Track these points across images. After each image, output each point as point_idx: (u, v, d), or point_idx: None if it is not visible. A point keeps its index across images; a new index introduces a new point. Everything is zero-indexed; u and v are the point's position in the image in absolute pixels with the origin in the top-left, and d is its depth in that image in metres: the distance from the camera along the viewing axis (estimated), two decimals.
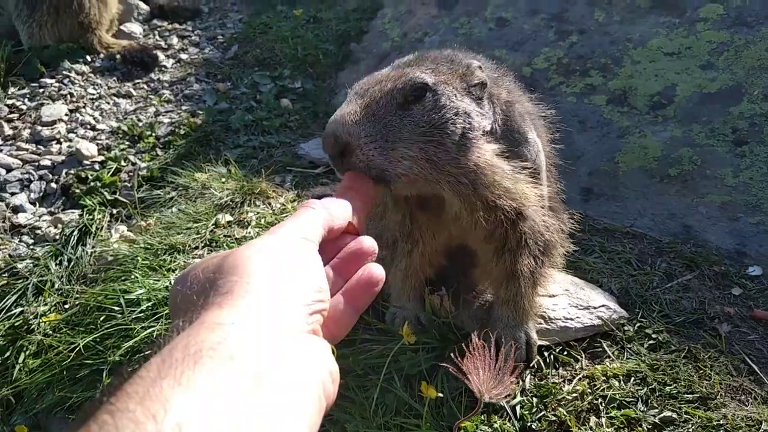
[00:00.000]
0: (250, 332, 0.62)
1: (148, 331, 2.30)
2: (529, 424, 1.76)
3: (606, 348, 1.98)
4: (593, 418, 1.75)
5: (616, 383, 1.84)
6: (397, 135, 1.35)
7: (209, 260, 0.78)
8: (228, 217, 2.96)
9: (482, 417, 1.76)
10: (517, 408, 1.80)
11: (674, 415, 1.72)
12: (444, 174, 1.43)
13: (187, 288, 0.75)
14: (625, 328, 2.05)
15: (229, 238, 2.80)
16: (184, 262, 2.66)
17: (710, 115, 2.93)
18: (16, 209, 3.24)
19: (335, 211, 0.93)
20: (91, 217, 3.13)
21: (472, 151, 1.48)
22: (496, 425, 1.74)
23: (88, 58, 4.63)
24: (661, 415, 1.73)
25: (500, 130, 1.59)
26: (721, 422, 1.68)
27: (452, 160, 1.43)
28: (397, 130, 1.35)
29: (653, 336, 2.01)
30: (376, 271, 0.90)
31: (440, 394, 1.69)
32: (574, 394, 1.82)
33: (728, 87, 2.97)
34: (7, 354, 2.45)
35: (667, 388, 1.80)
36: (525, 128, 1.69)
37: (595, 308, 2.06)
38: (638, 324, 2.06)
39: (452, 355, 1.60)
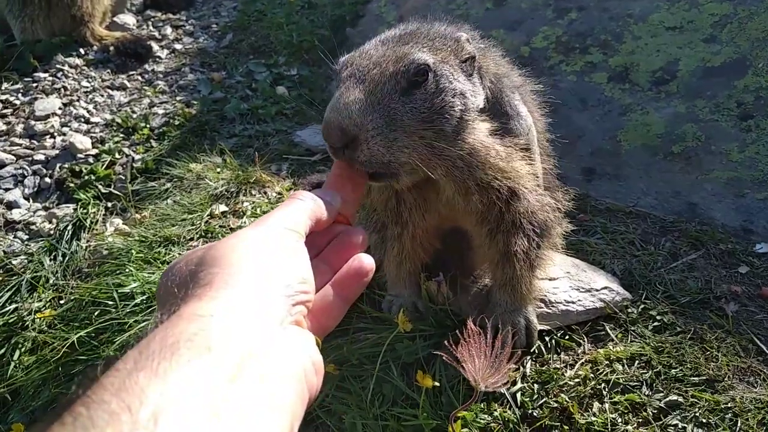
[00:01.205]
0: (230, 323, 0.62)
1: (142, 324, 2.26)
2: (530, 411, 1.71)
3: (609, 331, 1.92)
4: (596, 404, 1.70)
5: (620, 367, 1.78)
6: (398, 124, 1.28)
7: (194, 253, 0.78)
8: (223, 207, 2.91)
9: (482, 405, 1.71)
10: (518, 395, 1.75)
11: (680, 399, 1.66)
12: (441, 159, 1.37)
13: (170, 280, 0.75)
14: (629, 310, 1.99)
15: (224, 229, 2.76)
16: (179, 254, 2.61)
17: (714, 89, 2.84)
18: (11, 205, 3.20)
19: (323, 202, 0.92)
20: (85, 211, 3.09)
21: (468, 133, 1.43)
22: (496, 413, 1.69)
23: (82, 50, 4.57)
24: (667, 399, 1.67)
25: (489, 105, 1.53)
26: (729, 405, 1.62)
27: (450, 144, 1.38)
28: (399, 118, 1.28)
29: (658, 318, 1.95)
30: (366, 261, 0.90)
31: (437, 383, 1.64)
32: (577, 380, 1.76)
33: (732, 60, 2.89)
34: (2, 351, 2.42)
35: (673, 371, 1.74)
36: (515, 102, 1.62)
37: (597, 290, 2.00)
38: (642, 306, 2.00)
39: (446, 342, 1.55)
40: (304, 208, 0.88)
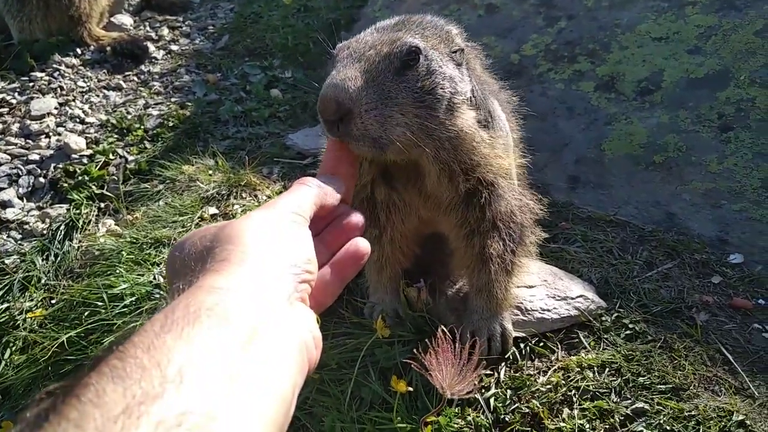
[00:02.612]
0: (244, 297, 0.69)
1: (130, 326, 2.31)
2: (502, 416, 1.76)
3: (582, 339, 1.98)
4: (566, 410, 1.75)
5: (591, 374, 1.84)
6: (393, 101, 1.34)
7: (206, 230, 0.84)
8: (213, 210, 2.96)
9: (456, 410, 1.76)
10: (491, 400, 1.80)
11: (646, 406, 1.72)
12: (432, 139, 1.45)
13: (185, 255, 0.81)
14: (603, 318, 2.04)
15: None
16: None
17: (697, 100, 2.89)
18: (5, 204, 3.24)
19: (329, 189, 0.98)
20: (78, 211, 3.14)
21: (456, 116, 1.50)
22: (469, 418, 1.75)
23: (79, 50, 4.61)
24: (634, 406, 1.73)
25: (476, 101, 1.60)
26: (693, 413, 1.68)
27: (440, 124, 1.45)
28: (393, 96, 1.34)
29: (630, 326, 2.00)
30: (361, 245, 0.98)
31: (411, 389, 1.70)
32: (548, 386, 1.82)
33: (715, 72, 2.94)
34: None
35: (641, 378, 1.80)
36: (495, 106, 1.72)
37: (572, 299, 2.05)
38: (616, 314, 2.06)
39: (415, 350, 1.60)
40: (310, 194, 0.94)
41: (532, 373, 1.89)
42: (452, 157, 1.53)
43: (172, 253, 0.84)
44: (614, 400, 1.75)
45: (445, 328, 1.63)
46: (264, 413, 0.60)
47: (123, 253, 2.70)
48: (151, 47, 4.78)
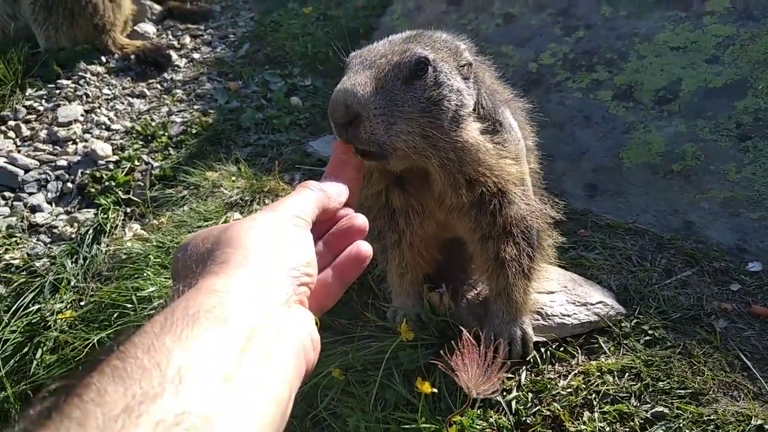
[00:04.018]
0: (243, 299, 0.70)
1: None
2: (523, 418, 1.80)
3: (602, 344, 2.01)
4: (586, 413, 1.79)
5: (611, 379, 1.87)
6: (399, 109, 1.39)
7: (209, 232, 0.86)
8: (237, 216, 3.03)
9: (478, 411, 1.81)
10: (513, 403, 1.84)
11: (666, 410, 1.75)
12: (436, 149, 1.49)
13: (188, 257, 0.83)
14: (622, 324, 2.08)
15: None
16: None
17: (715, 109, 2.92)
18: (34, 209, 3.34)
19: (332, 192, 1.00)
20: (105, 216, 3.22)
21: (462, 128, 1.54)
22: (491, 419, 1.79)
23: (103, 58, 4.72)
24: (653, 410, 1.76)
25: (483, 113, 1.65)
26: (712, 417, 1.71)
27: (445, 135, 1.49)
28: (400, 104, 1.39)
29: (649, 332, 2.04)
30: (363, 248, 0.98)
31: (435, 390, 1.74)
32: (569, 390, 1.86)
33: (734, 81, 2.96)
34: (26, 350, 2.55)
35: (660, 383, 1.83)
36: (507, 115, 1.76)
37: (592, 305, 2.09)
38: (635, 320, 2.09)
39: (441, 352, 1.65)
40: (313, 197, 0.95)
41: (552, 376, 1.92)
42: (457, 168, 1.57)
43: (176, 255, 0.86)
44: (634, 404, 1.79)
45: (468, 332, 1.68)
46: (260, 415, 0.61)
47: (150, 256, 2.77)
48: (174, 55, 4.88)
